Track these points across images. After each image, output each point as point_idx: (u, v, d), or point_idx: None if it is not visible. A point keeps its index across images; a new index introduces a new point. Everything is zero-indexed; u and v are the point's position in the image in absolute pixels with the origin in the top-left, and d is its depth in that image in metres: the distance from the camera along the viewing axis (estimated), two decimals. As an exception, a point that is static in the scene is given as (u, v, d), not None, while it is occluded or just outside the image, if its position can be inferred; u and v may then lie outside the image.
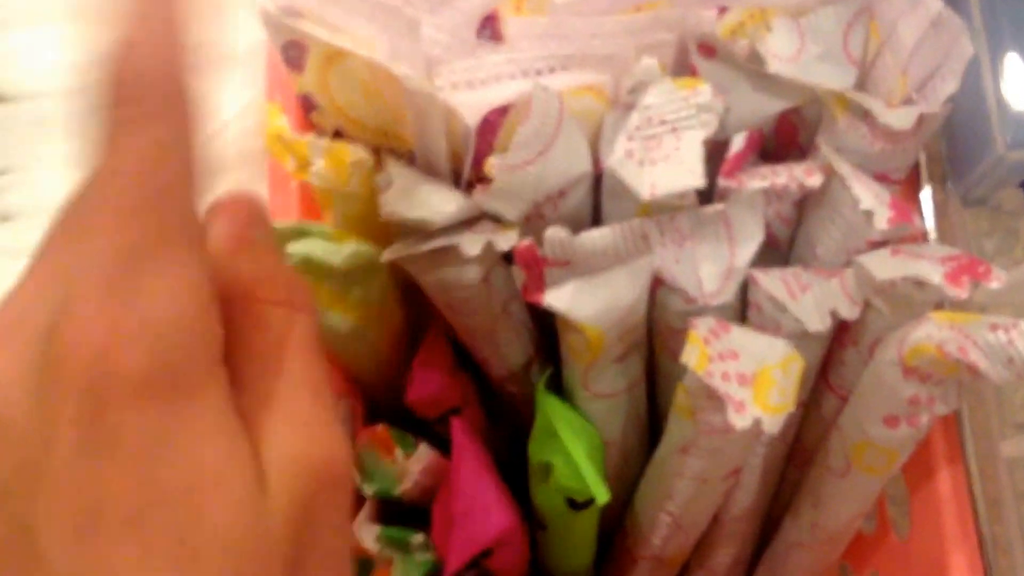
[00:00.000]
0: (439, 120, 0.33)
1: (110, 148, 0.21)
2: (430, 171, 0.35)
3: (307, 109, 0.35)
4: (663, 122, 0.33)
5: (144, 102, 0.21)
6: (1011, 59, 0.34)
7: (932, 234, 0.38)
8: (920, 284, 0.32)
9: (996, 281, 0.31)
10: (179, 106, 0.21)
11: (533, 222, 0.34)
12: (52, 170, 0.47)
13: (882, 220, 0.33)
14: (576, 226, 0.36)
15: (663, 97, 0.33)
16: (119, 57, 0.21)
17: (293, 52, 0.33)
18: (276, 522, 0.21)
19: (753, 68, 0.35)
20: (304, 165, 0.33)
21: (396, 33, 0.32)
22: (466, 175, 0.35)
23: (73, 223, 0.21)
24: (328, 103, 0.34)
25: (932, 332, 0.30)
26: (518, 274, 0.33)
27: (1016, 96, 0.33)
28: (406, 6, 0.32)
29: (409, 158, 0.35)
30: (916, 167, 0.38)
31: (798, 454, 0.41)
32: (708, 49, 0.35)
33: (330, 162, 0.33)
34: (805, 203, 0.36)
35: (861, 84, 0.37)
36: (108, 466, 0.19)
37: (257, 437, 0.22)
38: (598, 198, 0.36)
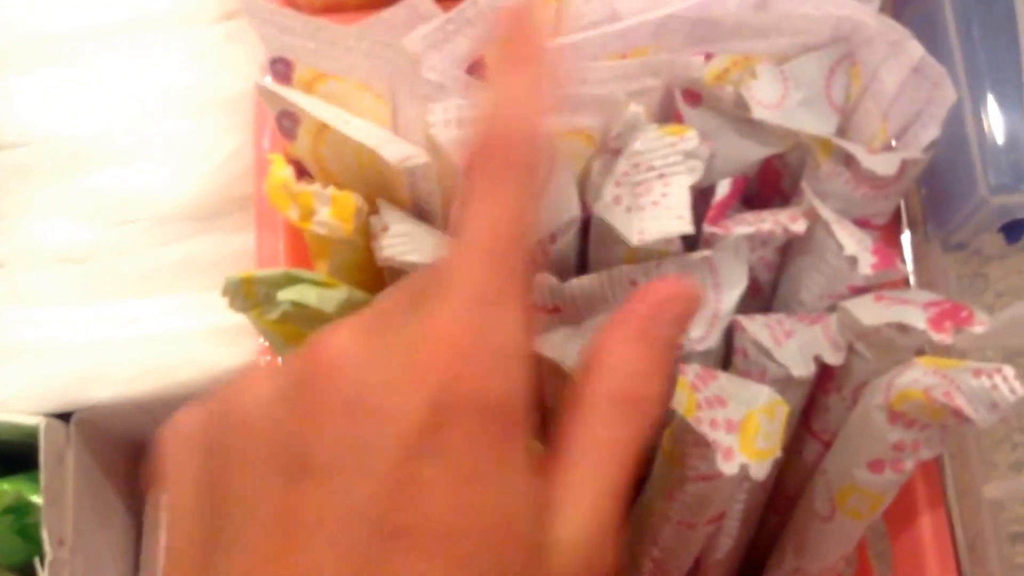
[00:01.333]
0: (432, 178, 0.33)
1: (477, 203, 0.23)
2: (424, 215, 0.35)
3: (300, 173, 0.35)
4: (650, 168, 0.34)
5: (509, 163, 0.23)
6: (992, 105, 0.35)
7: (911, 278, 0.38)
8: (904, 329, 0.32)
9: (979, 326, 0.31)
10: (535, 169, 0.24)
11: (522, 266, 0.34)
12: (40, 217, 0.47)
13: (866, 266, 0.33)
14: (563, 270, 0.36)
15: (650, 143, 0.34)
16: (492, 122, 0.24)
17: (286, 122, 0.33)
18: None
19: (738, 114, 0.35)
20: (308, 214, 0.33)
21: (394, 71, 0.32)
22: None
23: (439, 263, 0.23)
24: (319, 172, 0.35)
25: (919, 377, 0.31)
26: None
27: (998, 141, 0.34)
28: (401, 41, 0.32)
29: (403, 206, 0.35)
30: (897, 212, 0.39)
31: (778, 499, 0.41)
32: (693, 96, 0.35)
33: (336, 210, 0.33)
34: (789, 248, 0.36)
35: (843, 130, 0.37)
36: (433, 476, 0.20)
37: (554, 509, 0.23)
38: (584, 242, 0.36)
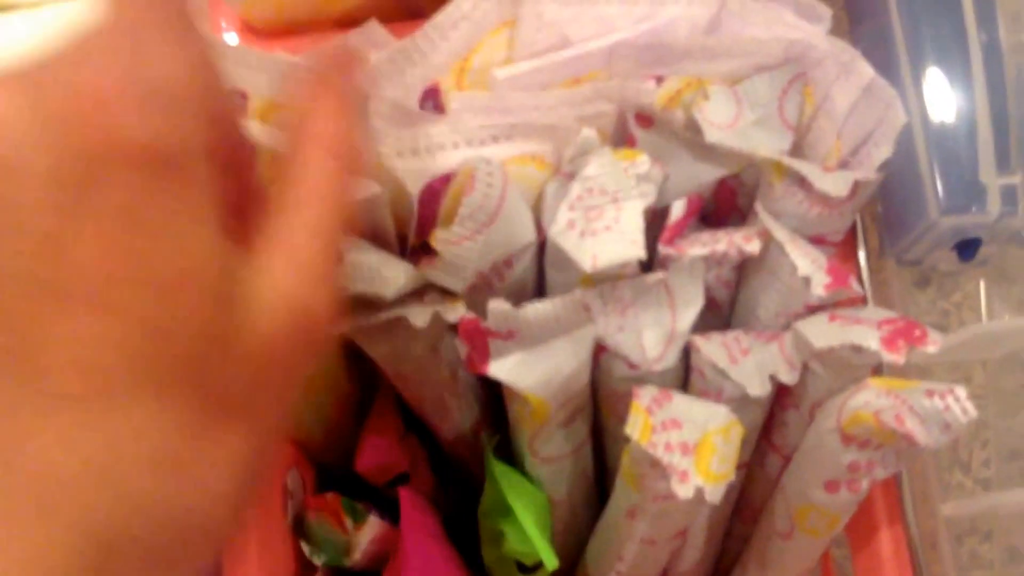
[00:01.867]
0: (384, 208, 0.33)
1: None
2: (377, 239, 0.35)
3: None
4: (603, 192, 0.34)
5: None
6: (943, 126, 0.35)
7: (868, 294, 0.39)
8: (858, 349, 0.32)
9: (932, 345, 0.31)
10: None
11: (480, 291, 0.35)
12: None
13: (819, 286, 0.33)
14: (522, 294, 0.36)
15: (603, 168, 0.34)
16: None
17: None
18: (245, 342, 0.21)
19: (690, 136, 0.35)
20: None
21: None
22: (411, 241, 0.36)
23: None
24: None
25: (870, 399, 0.31)
26: (461, 346, 0.33)
27: (948, 162, 0.34)
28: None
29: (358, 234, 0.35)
30: (853, 229, 0.39)
31: (744, 511, 0.41)
32: (645, 119, 0.35)
33: None
34: (745, 267, 0.36)
35: (797, 148, 0.37)
36: (86, 229, 0.19)
37: (256, 262, 0.22)
38: (542, 265, 0.36)
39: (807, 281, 0.34)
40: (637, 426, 0.31)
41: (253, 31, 0.40)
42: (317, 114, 0.25)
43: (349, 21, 0.39)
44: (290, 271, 0.22)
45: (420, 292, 0.35)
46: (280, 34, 0.40)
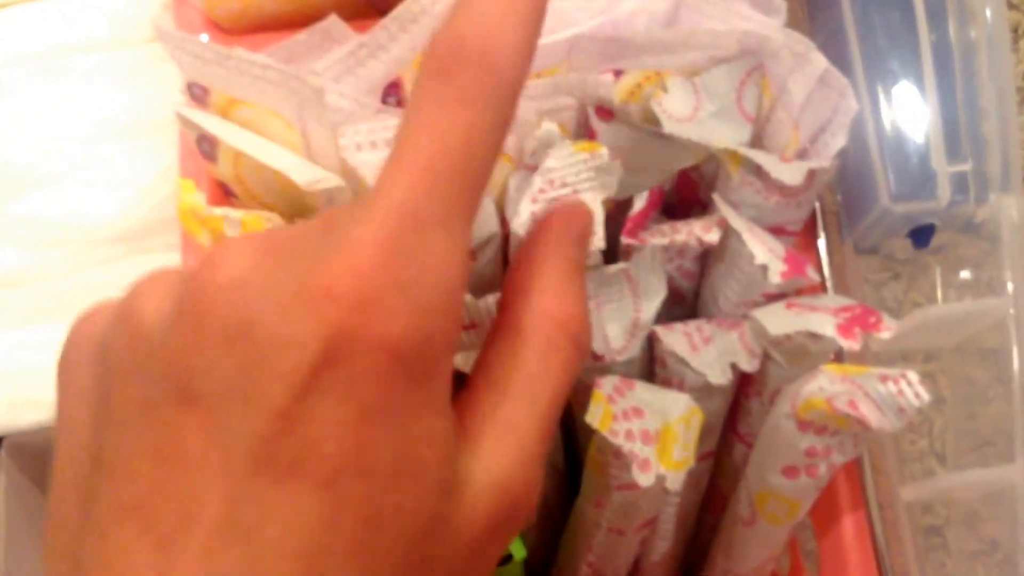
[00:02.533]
0: (347, 194, 0.33)
1: (423, 119, 0.20)
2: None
3: (227, 193, 0.35)
4: (564, 184, 0.34)
5: (473, 81, 0.20)
6: (893, 115, 0.36)
7: (828, 282, 0.39)
8: (814, 337, 0.33)
9: (887, 331, 0.32)
10: (506, 96, 0.21)
11: (442, 283, 0.35)
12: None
13: (776, 274, 0.34)
14: (488, 286, 0.36)
15: (563, 160, 0.34)
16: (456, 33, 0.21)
17: (205, 145, 0.34)
18: (459, 528, 0.21)
19: (650, 129, 0.36)
20: (218, 238, 0.33)
21: (301, 101, 0.33)
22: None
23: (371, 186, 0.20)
24: (243, 192, 0.35)
25: (824, 385, 0.31)
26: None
27: (899, 150, 0.35)
28: (310, 75, 0.32)
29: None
30: (813, 217, 0.40)
31: (713, 500, 0.42)
32: (605, 112, 0.36)
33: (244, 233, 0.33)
34: (706, 257, 0.37)
35: (757, 139, 0.38)
36: (326, 409, 0.19)
37: (473, 444, 0.22)
38: (507, 258, 0.37)
39: (764, 269, 0.34)
40: (598, 415, 0.32)
41: (219, 28, 0.40)
42: (548, 281, 0.24)
43: (315, 18, 0.39)
44: (509, 454, 0.22)
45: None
46: (246, 31, 0.40)
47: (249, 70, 0.32)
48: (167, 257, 0.46)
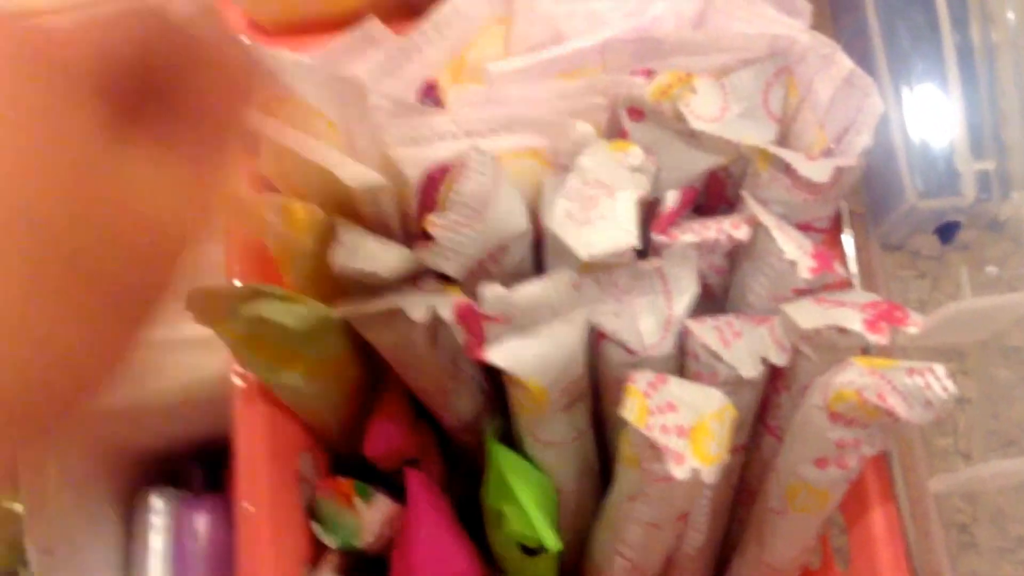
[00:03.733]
0: (389, 198, 0.34)
1: None
2: (380, 229, 0.36)
3: (268, 187, 0.36)
4: (599, 183, 0.35)
5: None
6: (918, 114, 0.36)
7: (855, 278, 0.40)
8: (843, 331, 0.33)
9: (913, 326, 0.33)
10: None
11: (477, 278, 0.36)
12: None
13: (804, 270, 0.34)
14: (519, 281, 0.37)
15: (597, 159, 0.35)
16: None
17: (250, 140, 0.34)
18: None
19: (680, 128, 0.37)
20: (261, 225, 0.34)
21: (345, 102, 0.34)
22: (414, 228, 0.37)
23: None
24: (285, 186, 0.36)
25: (854, 378, 0.32)
26: (458, 331, 0.34)
27: (923, 148, 0.35)
28: (354, 76, 0.33)
29: (363, 222, 0.36)
30: (839, 215, 0.40)
31: (744, 493, 0.42)
32: (637, 112, 0.36)
33: (286, 220, 0.34)
34: (736, 254, 0.38)
35: (784, 138, 0.38)
36: None
37: None
38: (541, 255, 0.37)
39: (793, 265, 0.35)
40: (634, 409, 0.32)
41: (260, 30, 0.41)
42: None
43: (353, 19, 0.40)
44: None
45: (416, 278, 0.36)
46: (286, 32, 0.41)
47: (297, 71, 0.33)
48: (214, 248, 0.47)
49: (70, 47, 0.23)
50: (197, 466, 0.53)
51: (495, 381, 0.40)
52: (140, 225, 0.23)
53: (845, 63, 0.36)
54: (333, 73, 0.33)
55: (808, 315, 0.34)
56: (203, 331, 0.44)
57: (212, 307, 0.34)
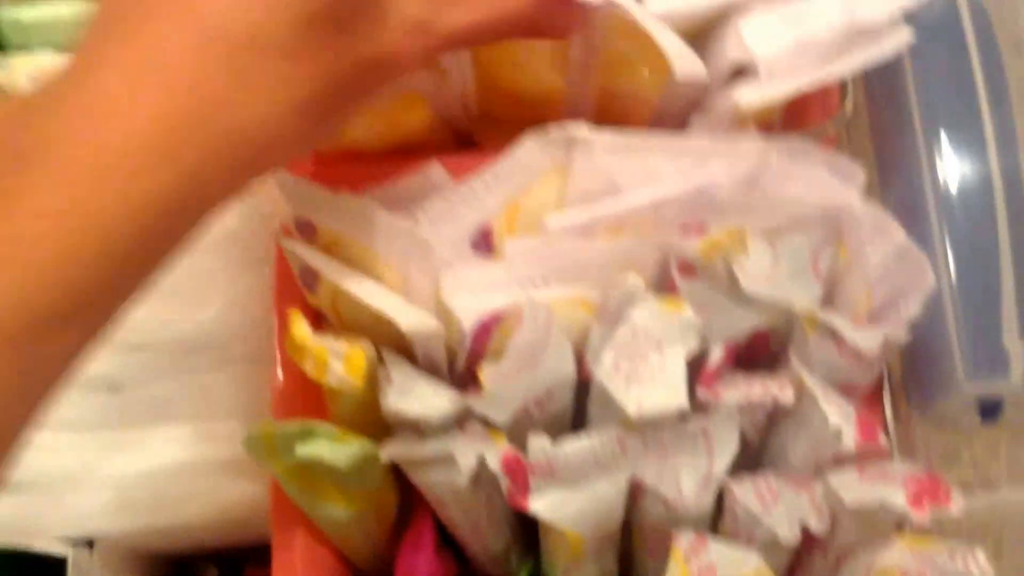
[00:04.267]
0: (441, 344, 0.35)
1: None
2: (429, 368, 0.37)
3: (318, 318, 0.37)
4: (648, 339, 0.35)
5: None
6: (972, 293, 0.37)
7: (891, 443, 0.40)
8: (886, 506, 0.33)
9: (955, 507, 0.33)
10: None
11: (520, 421, 0.36)
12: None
13: (849, 439, 0.35)
14: (560, 425, 0.38)
15: (648, 315, 0.36)
16: None
17: (307, 277, 0.35)
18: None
19: (730, 287, 0.37)
20: (323, 369, 0.34)
21: (407, 253, 0.34)
22: (460, 369, 0.37)
23: None
24: (337, 321, 0.36)
25: (896, 559, 0.32)
26: (503, 479, 0.35)
27: (975, 328, 0.36)
28: (416, 226, 0.34)
29: (410, 357, 0.37)
30: (880, 378, 0.41)
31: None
32: (688, 268, 0.37)
33: (348, 366, 0.34)
34: (776, 412, 0.38)
35: (829, 297, 0.39)
36: None
37: None
38: (580, 399, 0.38)
39: (837, 433, 0.35)
40: (675, 573, 0.33)
41: (317, 156, 0.42)
42: None
43: (409, 145, 0.41)
44: None
45: (462, 419, 0.36)
46: (343, 159, 0.42)
47: (360, 216, 0.34)
48: (252, 368, 0.47)
49: None
50: (213, 566, 0.53)
51: (528, 520, 0.40)
52: None
53: (898, 235, 0.36)
54: (399, 222, 0.34)
55: (854, 490, 0.34)
56: (238, 452, 0.44)
57: (267, 444, 0.35)
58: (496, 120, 0.44)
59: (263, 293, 0.47)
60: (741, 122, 0.39)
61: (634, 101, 0.41)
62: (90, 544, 0.47)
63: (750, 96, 0.37)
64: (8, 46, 0.54)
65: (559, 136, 0.36)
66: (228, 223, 0.48)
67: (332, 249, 0.36)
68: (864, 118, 0.45)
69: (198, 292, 0.47)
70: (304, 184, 0.35)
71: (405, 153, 0.42)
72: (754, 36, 0.37)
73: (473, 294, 0.35)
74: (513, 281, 0.36)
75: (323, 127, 0.30)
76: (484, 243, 0.37)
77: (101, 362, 0.48)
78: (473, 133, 0.44)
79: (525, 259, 0.36)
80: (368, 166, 0.41)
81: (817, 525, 0.35)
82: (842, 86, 0.42)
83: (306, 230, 0.36)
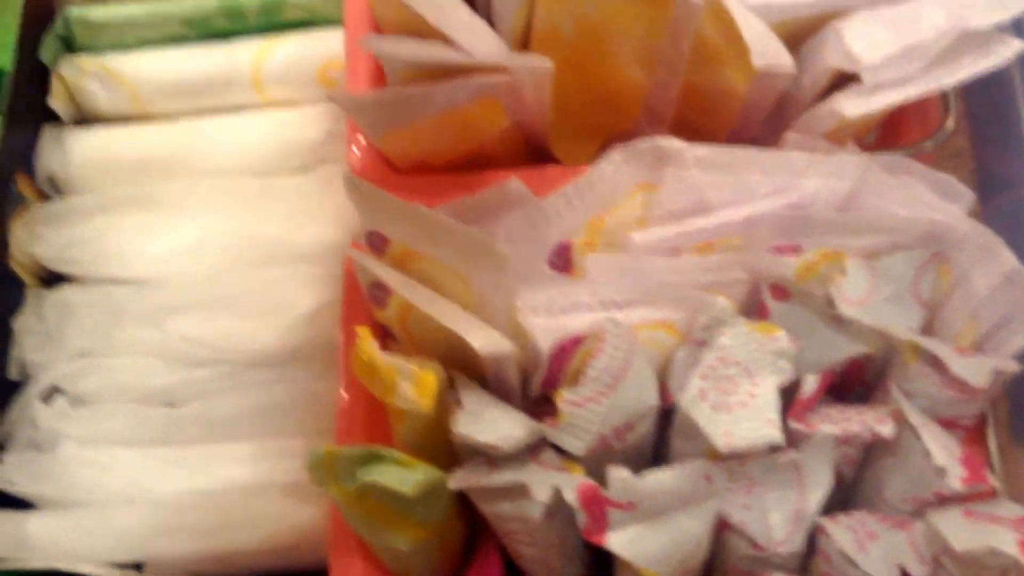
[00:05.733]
0: (514, 366, 0.33)
1: None
2: (501, 392, 0.35)
3: (386, 335, 0.35)
4: (737, 364, 0.33)
5: None
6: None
7: (996, 479, 0.37)
8: (995, 552, 0.31)
9: (1071, 554, 0.30)
10: None
11: (598, 452, 0.34)
12: (128, 357, 0.48)
13: (956, 479, 0.32)
14: (639, 458, 0.36)
15: (738, 339, 0.33)
16: None
17: (377, 292, 0.34)
18: None
19: (826, 311, 0.35)
20: (391, 390, 0.33)
21: (483, 267, 0.33)
22: (533, 392, 0.36)
23: None
24: (405, 338, 0.35)
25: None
26: (580, 514, 0.33)
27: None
28: (498, 242, 0.32)
29: (480, 379, 0.35)
30: (985, 414, 0.38)
31: None
32: (781, 291, 0.35)
33: (417, 388, 0.33)
34: (872, 446, 0.36)
35: (929, 324, 0.37)
36: None
37: None
38: (663, 429, 0.36)
39: (941, 471, 0.33)
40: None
41: (391, 166, 0.41)
42: None
43: (481, 156, 0.40)
44: None
45: (535, 449, 0.34)
46: (416, 170, 0.40)
47: (436, 229, 0.32)
48: (317, 385, 0.46)
49: None
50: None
51: (602, 555, 0.38)
52: None
53: (1007, 258, 0.34)
54: (475, 238, 0.32)
55: (961, 533, 0.31)
56: (296, 476, 0.43)
57: (329, 468, 0.33)
58: (573, 129, 0.42)
59: (329, 310, 0.45)
60: (838, 136, 0.37)
61: (721, 95, 0.39)
62: (138, 567, 0.46)
63: (854, 106, 0.35)
64: (78, 46, 0.54)
65: (649, 149, 0.34)
66: (295, 240, 0.47)
67: (404, 263, 0.34)
68: (963, 133, 0.43)
69: (261, 308, 0.46)
70: (377, 194, 0.34)
71: (481, 166, 0.40)
72: (859, 42, 0.35)
73: (551, 315, 0.33)
74: (595, 301, 0.34)
75: None
76: (562, 260, 0.35)
77: (158, 375, 0.47)
78: (549, 144, 0.43)
79: (607, 278, 0.34)
80: (445, 178, 0.40)
81: (917, 570, 0.33)
82: (944, 101, 0.40)
83: (377, 243, 0.34)
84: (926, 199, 0.35)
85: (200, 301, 0.47)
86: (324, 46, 0.53)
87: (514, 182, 0.35)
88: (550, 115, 0.40)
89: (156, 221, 0.49)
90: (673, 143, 0.35)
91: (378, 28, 0.41)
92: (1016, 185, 0.38)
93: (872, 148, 0.38)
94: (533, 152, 0.43)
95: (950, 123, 0.40)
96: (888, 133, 0.41)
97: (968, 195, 0.35)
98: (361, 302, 0.37)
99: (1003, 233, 0.35)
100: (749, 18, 0.34)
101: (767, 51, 0.34)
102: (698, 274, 0.35)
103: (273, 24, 0.55)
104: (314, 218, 0.47)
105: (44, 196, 0.53)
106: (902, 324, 0.35)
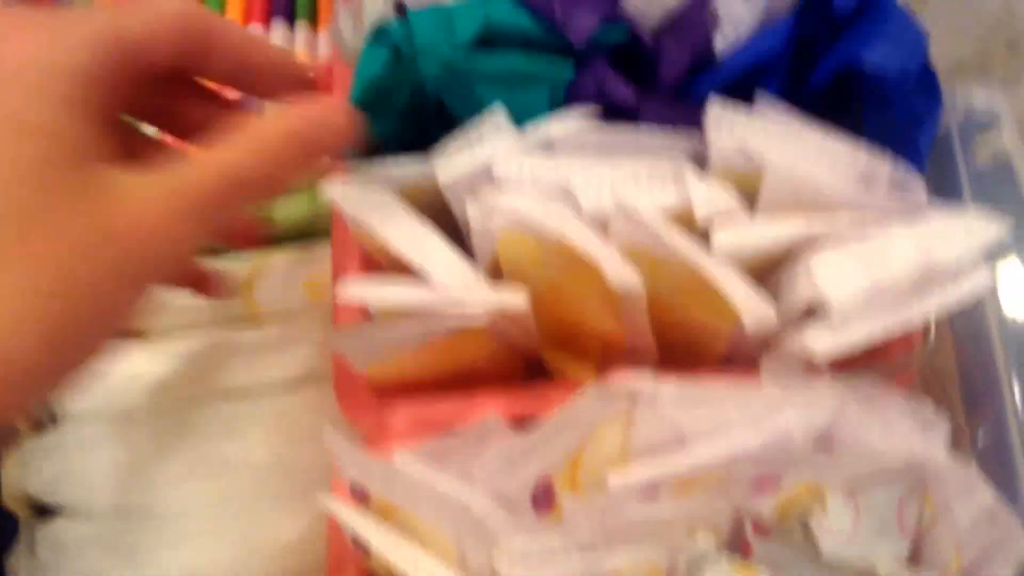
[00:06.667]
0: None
1: None
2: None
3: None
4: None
5: None
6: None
7: None
8: None
9: None
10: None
11: None
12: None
13: None
14: None
15: (720, 582, 0.33)
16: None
17: (360, 544, 0.34)
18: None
19: (809, 547, 0.35)
20: None
21: (462, 526, 0.33)
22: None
23: None
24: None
25: None
26: None
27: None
28: (472, 495, 0.33)
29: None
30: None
31: None
32: (763, 529, 0.35)
33: None
34: None
35: (917, 552, 0.36)
36: None
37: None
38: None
39: None
40: None
41: (377, 388, 0.41)
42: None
43: (473, 374, 0.40)
44: (178, 179, 0.29)
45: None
46: (402, 392, 0.41)
47: (412, 488, 0.33)
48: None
49: None
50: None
51: None
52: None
53: (986, 496, 0.34)
54: (453, 497, 0.32)
55: None
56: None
57: None
58: (564, 348, 0.42)
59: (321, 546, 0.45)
60: (814, 366, 0.37)
61: (705, 332, 0.39)
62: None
63: (824, 344, 0.35)
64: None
65: (621, 389, 0.35)
66: (285, 457, 0.47)
67: (388, 515, 0.35)
68: (948, 344, 0.43)
69: (246, 537, 0.46)
70: (357, 452, 0.34)
71: (467, 387, 0.40)
72: (827, 278, 0.36)
73: (530, 569, 0.33)
74: (573, 547, 0.34)
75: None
76: (545, 499, 0.36)
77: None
78: (543, 357, 0.43)
79: (587, 521, 0.34)
80: (427, 405, 0.40)
81: None
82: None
83: (360, 495, 0.35)
84: (904, 430, 0.36)
85: (177, 534, 0.46)
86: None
87: (492, 418, 0.35)
88: (537, 336, 0.41)
89: (135, 449, 0.48)
90: (646, 380, 0.35)
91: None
92: (996, 405, 0.38)
93: (856, 364, 0.39)
94: (530, 364, 0.43)
95: (930, 340, 0.40)
96: (873, 349, 0.42)
97: (945, 427, 0.36)
98: (344, 545, 0.37)
99: (986, 456, 0.35)
100: (729, 274, 0.34)
101: (754, 311, 0.35)
102: (679, 512, 0.35)
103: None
104: (302, 440, 0.47)
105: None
106: (888, 557, 0.35)
